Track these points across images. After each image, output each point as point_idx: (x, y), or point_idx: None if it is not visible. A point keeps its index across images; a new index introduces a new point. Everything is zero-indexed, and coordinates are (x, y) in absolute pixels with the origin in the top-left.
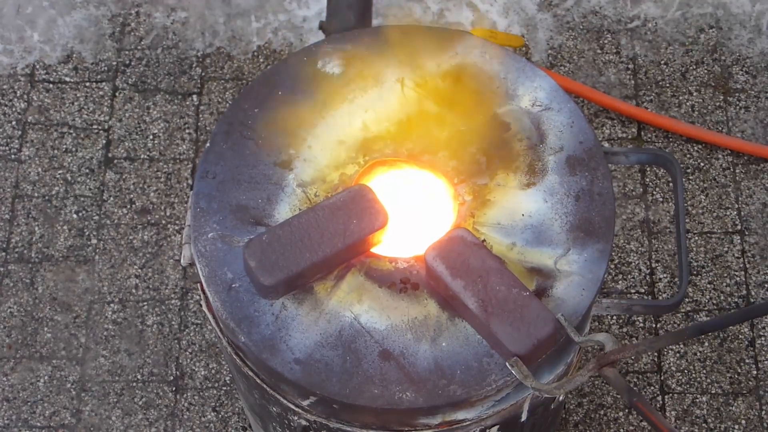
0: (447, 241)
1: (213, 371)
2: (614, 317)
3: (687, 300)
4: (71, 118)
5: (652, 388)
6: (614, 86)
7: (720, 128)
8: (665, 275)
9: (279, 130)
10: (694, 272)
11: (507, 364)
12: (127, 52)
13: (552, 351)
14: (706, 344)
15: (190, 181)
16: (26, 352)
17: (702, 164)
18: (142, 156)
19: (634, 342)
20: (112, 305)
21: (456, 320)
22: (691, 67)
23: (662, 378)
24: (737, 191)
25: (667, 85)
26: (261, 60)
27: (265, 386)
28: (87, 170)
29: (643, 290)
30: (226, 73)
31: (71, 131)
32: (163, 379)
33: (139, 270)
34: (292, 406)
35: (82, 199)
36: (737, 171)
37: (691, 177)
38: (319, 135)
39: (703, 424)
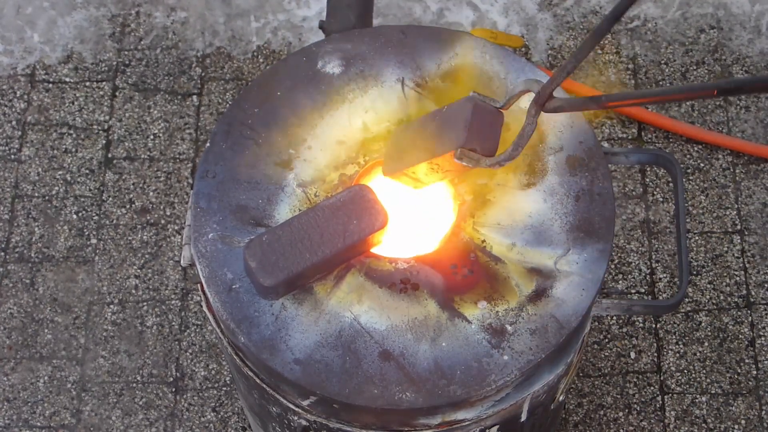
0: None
1: (213, 372)
2: (614, 317)
3: (687, 300)
4: (71, 118)
5: (652, 388)
6: (614, 86)
7: (720, 128)
8: (665, 275)
9: (279, 130)
10: (694, 272)
11: (455, 159)
12: (127, 52)
13: (497, 125)
14: (706, 344)
15: (190, 181)
16: (26, 353)
17: (702, 164)
18: (142, 156)
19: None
20: (111, 306)
21: (456, 320)
22: (691, 67)
23: (662, 378)
24: (737, 191)
25: (668, 85)
26: (261, 60)
27: (265, 386)
28: (87, 170)
29: (643, 290)
30: (226, 73)
31: (71, 131)
32: (163, 380)
33: (139, 270)
34: (292, 407)
35: (82, 199)
36: (737, 171)
37: (691, 177)
38: (319, 135)
39: (703, 424)
